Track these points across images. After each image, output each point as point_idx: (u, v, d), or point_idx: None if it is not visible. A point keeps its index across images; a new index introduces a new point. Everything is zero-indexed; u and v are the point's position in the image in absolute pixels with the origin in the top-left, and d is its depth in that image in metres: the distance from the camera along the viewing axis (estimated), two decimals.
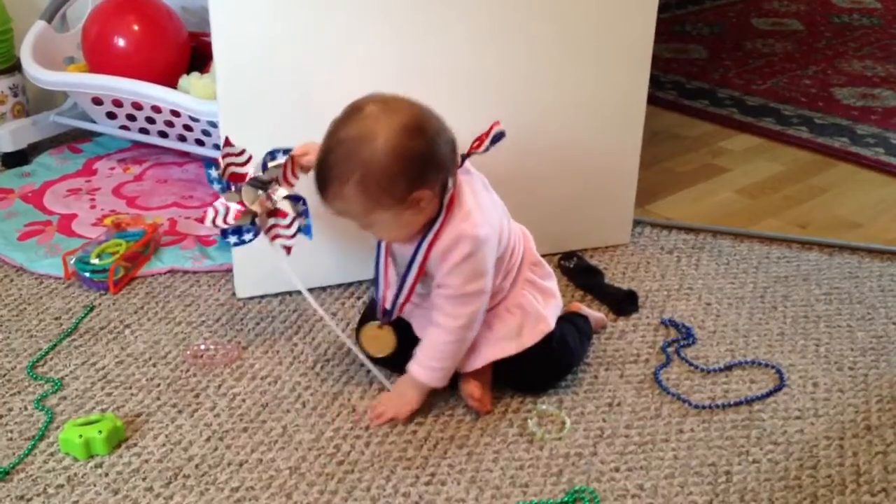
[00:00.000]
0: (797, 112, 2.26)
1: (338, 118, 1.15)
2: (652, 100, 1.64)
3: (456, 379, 1.25)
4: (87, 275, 1.50)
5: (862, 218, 1.77)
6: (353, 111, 1.14)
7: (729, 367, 1.34)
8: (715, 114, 2.26)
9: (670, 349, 1.38)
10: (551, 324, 1.26)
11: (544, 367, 1.27)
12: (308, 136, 1.41)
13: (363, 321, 1.34)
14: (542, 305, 1.27)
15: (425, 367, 1.21)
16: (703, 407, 1.25)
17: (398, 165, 1.10)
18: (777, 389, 1.29)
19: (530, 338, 1.24)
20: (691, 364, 1.34)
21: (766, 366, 1.34)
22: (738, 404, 1.26)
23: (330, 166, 1.13)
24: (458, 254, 1.15)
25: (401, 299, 1.22)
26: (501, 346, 1.24)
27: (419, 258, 1.18)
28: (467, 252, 1.15)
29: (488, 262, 1.18)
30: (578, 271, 1.57)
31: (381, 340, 1.26)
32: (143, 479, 1.12)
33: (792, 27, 2.90)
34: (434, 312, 1.20)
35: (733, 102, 2.32)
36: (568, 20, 1.45)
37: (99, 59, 1.85)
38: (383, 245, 1.24)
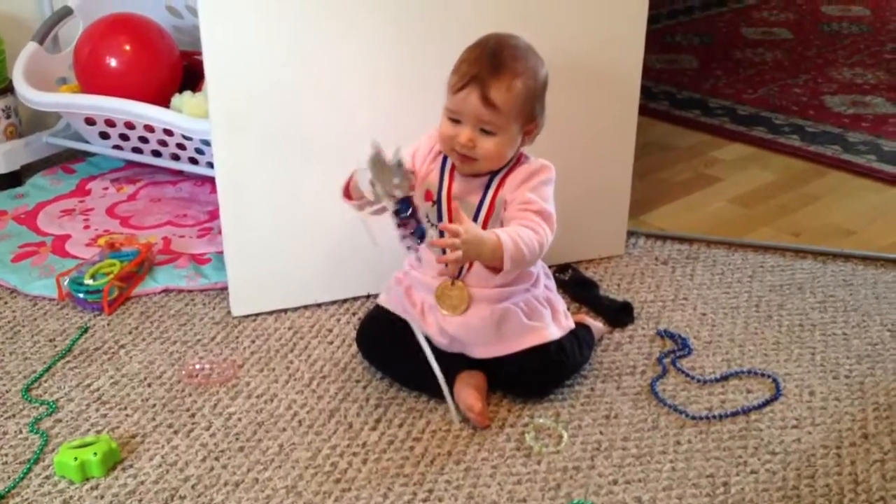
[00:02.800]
0: (788, 120, 2.27)
1: (492, 33, 1.24)
2: (644, 110, 1.65)
3: (452, 387, 1.25)
4: (82, 296, 1.49)
5: (855, 225, 1.77)
6: (506, 33, 1.25)
7: (725, 378, 1.34)
8: (706, 123, 2.27)
9: (666, 360, 1.37)
10: (572, 324, 1.33)
11: (542, 373, 1.28)
12: (301, 153, 1.42)
13: (363, 330, 1.36)
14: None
15: (509, 237, 1.18)
16: (700, 418, 1.25)
17: (545, 87, 1.25)
18: (773, 399, 1.29)
19: (563, 329, 1.30)
20: (687, 375, 1.34)
21: (763, 375, 1.34)
22: (734, 414, 1.26)
23: (506, 59, 1.20)
24: (543, 176, 1.26)
25: None
26: (540, 333, 1.27)
27: (492, 189, 1.25)
28: (549, 177, 1.26)
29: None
30: (573, 283, 1.57)
31: (456, 297, 1.27)
32: (139, 501, 1.12)
33: (782, 36, 2.92)
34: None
35: (725, 112, 2.33)
36: (558, 33, 1.45)
37: (91, 79, 1.86)
38: (444, 208, 1.26)
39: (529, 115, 1.23)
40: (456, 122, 1.22)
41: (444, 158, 1.28)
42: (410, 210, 1.15)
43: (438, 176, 1.28)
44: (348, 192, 1.27)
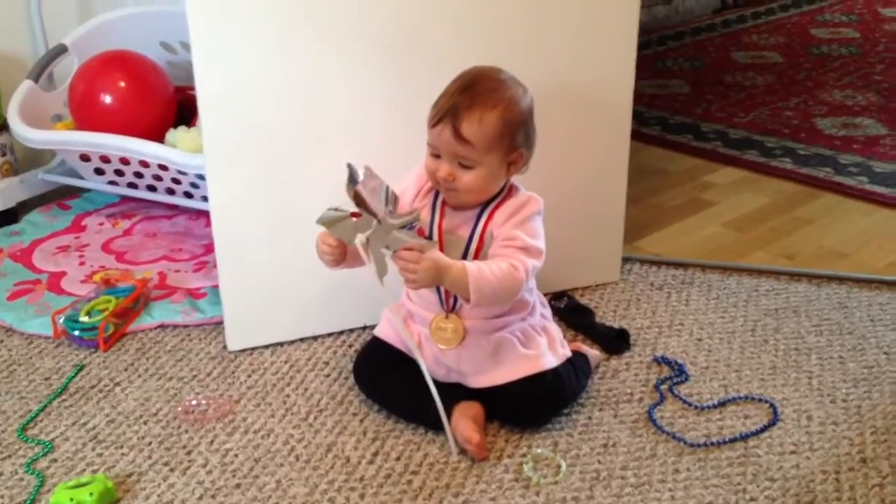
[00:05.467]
0: (780, 143, 2.28)
1: (474, 67, 1.25)
2: (636, 135, 1.66)
3: (450, 418, 1.25)
4: (77, 333, 1.49)
5: (848, 248, 1.78)
6: (490, 66, 1.26)
7: (723, 403, 1.34)
8: (699, 148, 2.28)
9: (664, 387, 1.37)
10: (568, 352, 1.32)
11: (539, 402, 1.28)
12: (295, 187, 1.43)
13: (360, 362, 1.36)
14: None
15: (476, 265, 1.19)
16: (699, 445, 1.25)
17: (527, 116, 1.24)
18: (771, 424, 1.29)
19: (560, 357, 1.30)
20: (685, 401, 1.34)
21: (760, 400, 1.34)
22: (733, 441, 1.25)
23: (480, 92, 1.20)
24: (529, 210, 1.25)
25: None
26: (536, 362, 1.27)
27: (481, 223, 1.25)
28: (536, 210, 1.26)
29: (543, 233, 1.27)
30: (569, 311, 1.57)
31: (451, 330, 1.27)
32: None
33: (772, 59, 2.94)
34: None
35: (717, 136, 2.34)
36: (548, 61, 1.47)
37: (86, 116, 1.87)
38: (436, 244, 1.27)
39: (509, 146, 1.22)
40: (437, 156, 1.23)
41: (436, 194, 1.29)
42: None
43: (430, 211, 1.28)
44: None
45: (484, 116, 1.19)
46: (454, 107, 1.19)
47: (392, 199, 1.16)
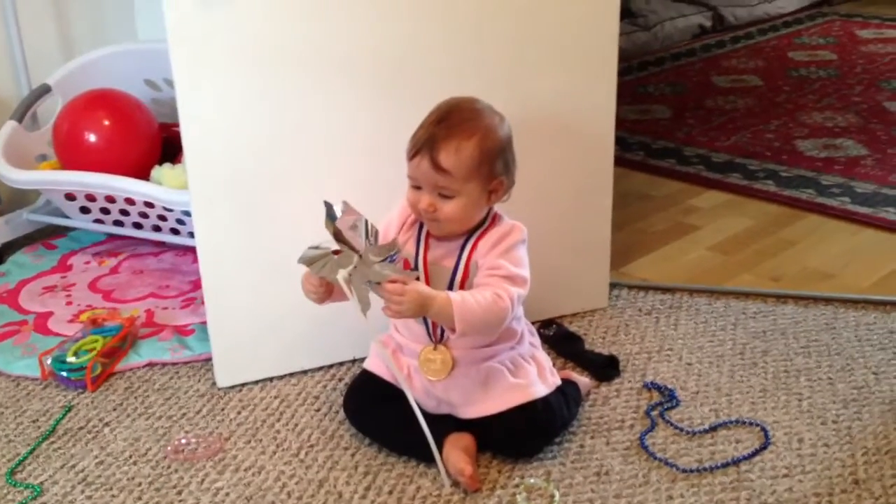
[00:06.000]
0: (763, 166, 2.30)
1: (451, 98, 1.26)
2: (620, 161, 1.67)
3: (441, 450, 1.24)
4: (65, 374, 1.48)
5: (833, 268, 1.79)
6: (466, 97, 1.27)
7: (714, 428, 1.34)
8: (682, 172, 2.30)
9: (654, 413, 1.37)
10: (558, 380, 1.32)
11: (530, 431, 1.27)
12: (280, 221, 1.43)
13: (350, 396, 1.36)
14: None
15: (460, 295, 1.20)
16: (691, 471, 1.25)
17: (506, 145, 1.25)
18: (763, 448, 1.29)
19: (549, 386, 1.30)
20: (676, 427, 1.34)
21: (751, 424, 1.34)
22: (725, 466, 1.25)
23: (456, 122, 1.22)
24: (512, 239, 1.26)
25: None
26: (526, 391, 1.27)
27: (466, 253, 1.26)
28: (520, 239, 1.27)
29: (528, 262, 1.27)
30: (558, 339, 1.57)
31: (439, 361, 1.27)
32: None
33: (751, 83, 2.98)
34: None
35: (700, 160, 2.36)
36: (530, 91, 1.48)
37: (71, 155, 1.87)
38: (422, 275, 1.27)
39: (489, 175, 1.23)
40: (417, 188, 1.24)
41: (420, 226, 1.30)
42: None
43: (415, 244, 1.29)
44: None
45: (461, 146, 1.20)
46: (431, 138, 1.20)
47: (372, 233, 1.16)
